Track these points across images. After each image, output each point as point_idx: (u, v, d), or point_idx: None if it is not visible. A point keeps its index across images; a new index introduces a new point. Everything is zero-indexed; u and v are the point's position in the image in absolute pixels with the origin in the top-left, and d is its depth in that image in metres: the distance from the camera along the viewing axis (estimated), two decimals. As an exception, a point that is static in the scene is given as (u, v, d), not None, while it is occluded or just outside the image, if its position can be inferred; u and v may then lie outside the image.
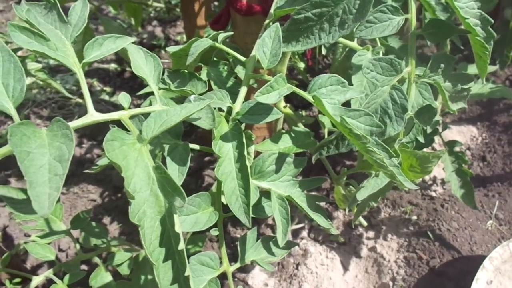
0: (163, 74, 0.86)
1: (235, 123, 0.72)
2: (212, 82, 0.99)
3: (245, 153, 0.70)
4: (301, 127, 1.08)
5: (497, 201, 1.67)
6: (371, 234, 1.57)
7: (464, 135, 2.02)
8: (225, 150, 0.70)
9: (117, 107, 1.96)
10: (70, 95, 1.55)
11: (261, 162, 0.74)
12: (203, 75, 0.99)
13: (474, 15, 0.70)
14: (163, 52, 2.15)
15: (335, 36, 0.73)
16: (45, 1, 0.74)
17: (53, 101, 1.94)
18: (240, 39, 1.05)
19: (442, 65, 0.74)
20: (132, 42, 0.77)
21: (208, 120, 0.63)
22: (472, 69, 1.49)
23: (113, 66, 2.08)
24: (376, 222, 1.60)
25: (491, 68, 1.44)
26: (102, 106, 1.85)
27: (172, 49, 0.80)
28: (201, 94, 0.81)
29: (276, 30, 0.72)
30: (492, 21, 0.70)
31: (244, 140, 0.70)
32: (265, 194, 0.77)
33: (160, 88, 0.85)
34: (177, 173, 0.66)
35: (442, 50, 1.26)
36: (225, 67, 1.00)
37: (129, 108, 0.69)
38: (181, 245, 0.55)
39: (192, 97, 0.67)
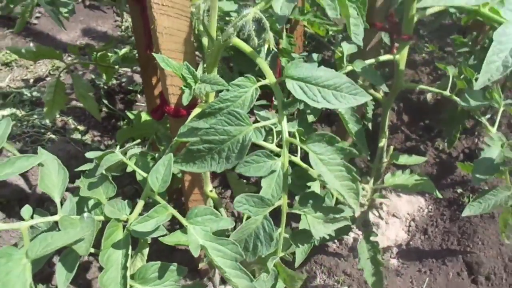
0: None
1: (128, 233, 0.84)
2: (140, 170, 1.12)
3: (129, 261, 0.81)
4: (222, 212, 1.20)
5: (427, 278, 1.77)
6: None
7: (412, 205, 2.12)
8: (114, 258, 0.82)
9: (87, 146, 2.08)
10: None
11: (144, 270, 0.85)
12: (132, 162, 1.11)
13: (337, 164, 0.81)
14: (139, 96, 2.29)
15: (223, 167, 0.85)
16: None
17: (28, 135, 2.07)
18: (174, 131, 1.18)
19: (311, 201, 0.85)
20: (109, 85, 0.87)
21: (86, 245, 0.74)
22: (403, 159, 1.60)
23: (90, 104, 2.21)
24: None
25: (419, 159, 1.55)
26: (70, 146, 1.97)
27: (85, 167, 0.92)
28: (111, 198, 0.93)
29: (170, 160, 0.84)
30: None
31: (130, 251, 0.82)
32: (150, 295, 0.89)
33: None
34: (63, 279, 0.77)
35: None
36: (151, 158, 1.13)
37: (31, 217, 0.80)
38: None
39: (85, 215, 0.79)
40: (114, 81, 2.30)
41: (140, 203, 0.86)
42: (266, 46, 0.84)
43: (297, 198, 0.90)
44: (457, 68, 1.47)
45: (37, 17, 2.69)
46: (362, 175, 2.07)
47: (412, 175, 1.51)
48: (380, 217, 2.06)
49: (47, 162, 0.85)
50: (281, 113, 0.84)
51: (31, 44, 2.58)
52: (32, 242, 0.71)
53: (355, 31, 0.85)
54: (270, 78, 0.85)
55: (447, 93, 1.40)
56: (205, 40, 1.01)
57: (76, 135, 2.11)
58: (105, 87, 2.25)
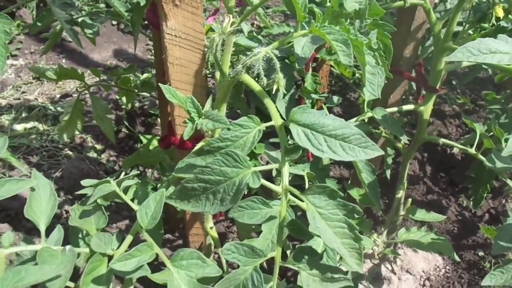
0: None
1: (111, 269, 0.79)
2: (136, 201, 1.08)
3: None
4: (219, 252, 1.14)
5: None
6: None
7: (429, 262, 2.00)
8: (93, 294, 0.77)
9: (102, 165, 2.08)
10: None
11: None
12: (130, 193, 1.08)
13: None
14: (159, 120, 2.28)
15: (216, 209, 0.80)
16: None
17: (45, 149, 2.08)
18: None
19: (306, 257, 0.79)
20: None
21: (60, 284, 0.69)
22: (420, 214, 1.50)
23: (111, 124, 2.21)
24: None
25: (437, 217, 1.46)
26: (85, 164, 1.97)
27: (85, 191, 0.89)
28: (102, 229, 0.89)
29: (162, 195, 0.80)
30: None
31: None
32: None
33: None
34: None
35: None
36: (152, 188, 1.09)
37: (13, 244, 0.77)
38: None
39: (67, 248, 0.75)
40: (137, 103, 2.31)
41: (128, 238, 0.82)
42: (275, 87, 0.80)
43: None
44: (485, 126, 1.39)
45: (73, 35, 2.76)
46: (378, 224, 1.97)
47: (428, 232, 1.41)
48: (393, 271, 1.94)
49: (39, 187, 0.82)
50: (283, 160, 0.79)
51: (64, 61, 2.64)
52: (5, 274, 0.68)
53: (371, 80, 0.80)
54: (276, 121, 0.80)
55: (472, 151, 1.32)
56: (217, 74, 0.98)
57: (92, 154, 2.11)
58: (128, 108, 2.26)
